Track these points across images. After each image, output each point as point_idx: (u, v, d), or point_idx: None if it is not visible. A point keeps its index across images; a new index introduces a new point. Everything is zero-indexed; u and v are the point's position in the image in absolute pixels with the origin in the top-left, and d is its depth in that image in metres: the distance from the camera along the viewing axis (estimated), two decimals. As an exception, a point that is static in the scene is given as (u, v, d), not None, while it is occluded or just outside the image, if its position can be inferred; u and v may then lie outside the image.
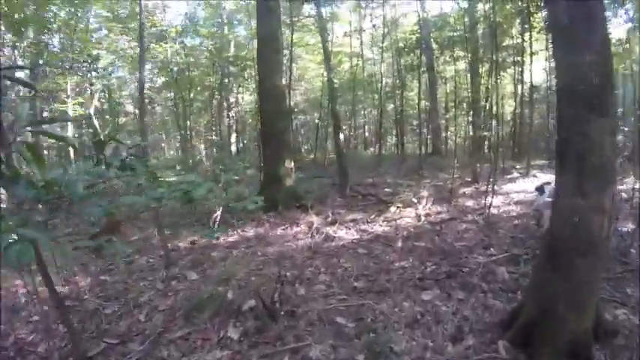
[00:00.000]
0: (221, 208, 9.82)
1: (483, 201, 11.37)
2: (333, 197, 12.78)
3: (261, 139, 12.88)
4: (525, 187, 13.87)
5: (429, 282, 6.47)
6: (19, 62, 18.24)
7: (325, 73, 19.79)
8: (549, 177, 15.81)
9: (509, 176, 15.90)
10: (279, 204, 11.20)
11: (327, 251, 8.29)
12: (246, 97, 29.93)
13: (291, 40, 19.11)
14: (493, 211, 10.31)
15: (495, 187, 11.26)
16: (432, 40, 22.74)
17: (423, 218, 10.06)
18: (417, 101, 24.40)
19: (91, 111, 17.50)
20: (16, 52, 18.09)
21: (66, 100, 20.36)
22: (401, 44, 22.90)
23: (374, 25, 23.37)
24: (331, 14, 22.85)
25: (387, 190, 13.68)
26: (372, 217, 10.55)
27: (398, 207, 11.16)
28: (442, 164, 19.23)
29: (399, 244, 8.44)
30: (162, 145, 39.64)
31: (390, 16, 24.45)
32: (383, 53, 24.36)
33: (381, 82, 24.01)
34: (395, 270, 7.08)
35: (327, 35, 17.03)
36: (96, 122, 17.69)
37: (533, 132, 21.43)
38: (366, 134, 34.70)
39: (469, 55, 21.17)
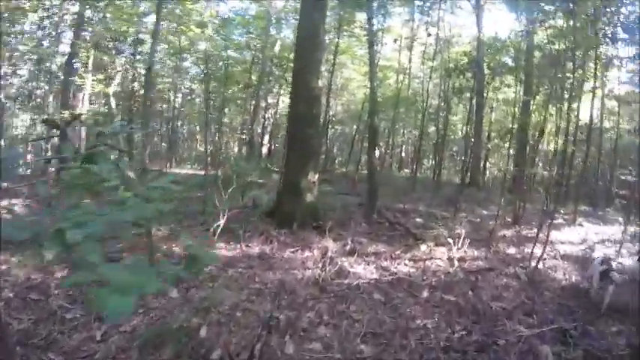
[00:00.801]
0: (225, 216, 8.48)
1: (527, 250, 9.74)
2: (357, 221, 11.20)
3: (287, 144, 11.46)
4: (571, 238, 12.13)
5: (456, 355, 5.01)
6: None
7: (369, 85, 18.42)
8: (597, 228, 14.10)
9: (554, 221, 14.11)
10: (294, 220, 9.69)
11: (337, 290, 6.82)
12: (286, 100, 28.68)
13: (336, 46, 17.72)
14: (539, 265, 8.60)
15: (541, 235, 9.53)
16: (484, 63, 20.97)
17: (456, 263, 8.40)
18: (460, 126, 22.93)
19: (110, 90, 16.44)
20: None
21: (84, 75, 19.38)
22: (451, 65, 21.26)
23: (429, 34, 21.52)
24: (381, 26, 21.27)
25: (418, 220, 12.07)
26: (398, 252, 8.96)
27: (429, 245, 9.50)
28: (480, 198, 17.50)
29: (425, 294, 6.92)
30: (197, 137, 38.68)
31: (443, 34, 22.69)
32: (432, 72, 22.76)
33: (426, 101, 22.32)
34: (415, 330, 5.61)
35: (375, 47, 15.70)
36: (113, 103, 16.65)
37: (578, 175, 19.72)
38: (403, 154, 33.09)
39: (522, 84, 19.46)
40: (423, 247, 9.35)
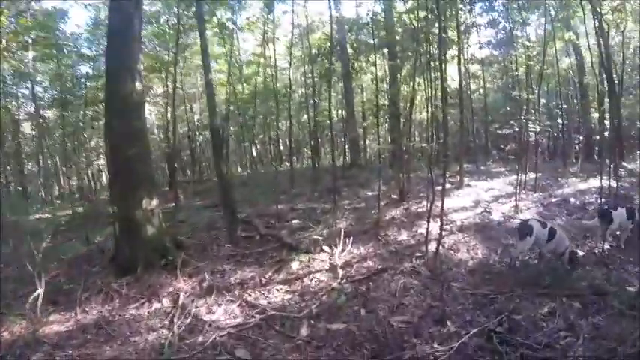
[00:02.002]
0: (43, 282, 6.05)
1: (420, 230, 8.23)
2: (220, 242, 8.98)
3: (109, 169, 8.97)
4: (463, 202, 10.91)
5: None
6: None
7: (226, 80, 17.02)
8: (484, 184, 13.15)
9: (440, 188, 13.01)
10: (137, 263, 7.30)
11: (187, 357, 4.74)
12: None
13: (177, 42, 15.26)
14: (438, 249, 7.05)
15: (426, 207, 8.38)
16: (347, 44, 19.67)
17: (341, 272, 6.64)
18: (333, 110, 21.56)
19: None
20: None
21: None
22: (314, 51, 19.79)
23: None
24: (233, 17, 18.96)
25: (295, 222, 10.14)
26: (269, 273, 6.99)
27: (307, 254, 7.63)
28: (363, 177, 15.95)
29: (304, 330, 5.10)
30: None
31: (303, 21, 20.99)
32: (292, 59, 21.05)
33: (289, 90, 20.56)
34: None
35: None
36: None
37: (451, 136, 19.24)
38: (281, 148, 31.19)
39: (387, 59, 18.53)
40: (299, 260, 7.43)
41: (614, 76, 16.67)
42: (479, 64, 21.01)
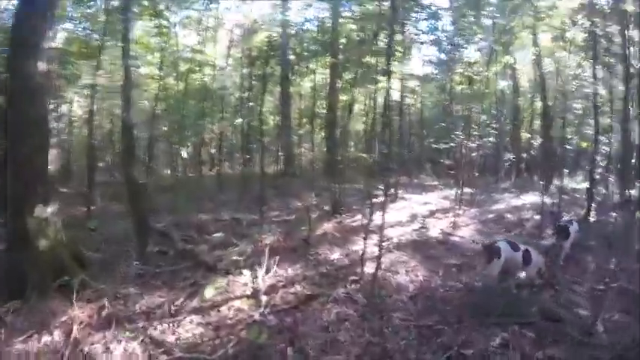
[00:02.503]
0: None
1: (354, 248, 7.43)
2: (130, 258, 7.60)
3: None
4: (399, 216, 10.30)
5: None
6: None
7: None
8: (420, 198, 12.67)
9: (374, 200, 12.38)
10: (27, 285, 5.91)
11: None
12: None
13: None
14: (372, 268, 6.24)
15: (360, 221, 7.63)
16: (289, 49, 18.85)
17: (264, 300, 5.62)
18: (269, 116, 20.74)
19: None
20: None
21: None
22: (254, 53, 18.81)
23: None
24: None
25: (217, 236, 8.94)
26: (181, 301, 5.82)
27: (227, 276, 6.58)
28: (295, 187, 15.05)
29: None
30: None
31: (248, 21, 19.88)
32: (231, 59, 20.12)
33: (225, 91, 19.49)
34: None
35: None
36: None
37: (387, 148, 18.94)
38: (213, 151, 29.57)
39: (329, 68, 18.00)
40: (217, 284, 6.31)
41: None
42: (418, 80, 21.10)
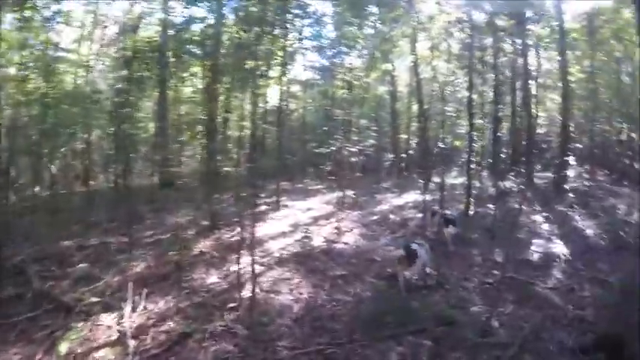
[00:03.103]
0: None
1: (233, 267, 6.70)
2: None
3: None
4: (281, 228, 9.69)
5: None
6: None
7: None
8: (303, 204, 12.22)
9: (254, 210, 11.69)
10: None
11: None
12: None
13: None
14: (252, 291, 5.57)
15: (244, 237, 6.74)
16: (168, 51, 17.40)
17: (132, 345, 4.69)
18: (146, 122, 19.17)
19: None
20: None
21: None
22: (129, 53, 17.12)
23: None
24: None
25: (81, 267, 7.53)
26: (39, 356, 4.67)
27: (89, 319, 5.46)
28: (173, 200, 13.82)
29: None
30: None
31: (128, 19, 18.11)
32: (106, 60, 18.32)
33: (97, 95, 17.58)
34: None
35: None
36: None
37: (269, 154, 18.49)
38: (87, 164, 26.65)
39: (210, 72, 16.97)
40: (78, 331, 5.20)
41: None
42: (301, 85, 20.90)
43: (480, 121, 16.17)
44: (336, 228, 9.12)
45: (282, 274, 6.74)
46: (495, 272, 6.87)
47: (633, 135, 15.77)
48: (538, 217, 10.34)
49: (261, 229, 9.57)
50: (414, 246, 6.30)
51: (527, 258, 7.61)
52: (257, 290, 5.80)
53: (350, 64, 17.60)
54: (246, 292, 5.68)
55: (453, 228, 8.20)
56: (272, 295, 5.96)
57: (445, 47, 17.26)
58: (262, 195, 13.10)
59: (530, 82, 16.42)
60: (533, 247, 8.19)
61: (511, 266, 6.85)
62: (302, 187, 15.88)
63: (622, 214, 11.04)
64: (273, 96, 19.83)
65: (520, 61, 16.74)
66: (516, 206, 11.38)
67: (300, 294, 6.04)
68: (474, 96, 13.35)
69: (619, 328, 4.36)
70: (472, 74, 11.44)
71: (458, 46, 16.05)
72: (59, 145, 16.99)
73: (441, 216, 8.72)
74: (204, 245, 8.62)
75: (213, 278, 6.77)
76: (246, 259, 6.03)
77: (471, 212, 10.51)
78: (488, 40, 14.74)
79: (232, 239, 8.73)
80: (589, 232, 9.55)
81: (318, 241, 8.43)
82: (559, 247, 8.25)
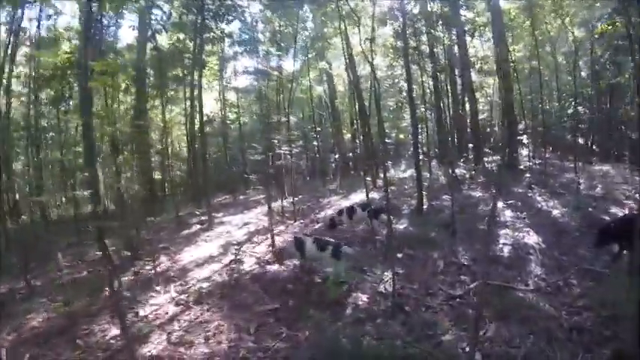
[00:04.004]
0: None
1: (145, 309, 5.12)
2: None
3: None
4: (210, 250, 8.01)
5: None
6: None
7: None
8: (240, 218, 10.56)
9: (187, 231, 9.87)
10: None
11: None
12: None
13: None
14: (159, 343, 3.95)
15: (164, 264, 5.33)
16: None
17: None
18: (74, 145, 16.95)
19: None
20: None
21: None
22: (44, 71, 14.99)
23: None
24: None
25: None
26: None
27: None
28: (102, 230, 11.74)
29: None
30: None
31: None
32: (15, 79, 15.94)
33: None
34: None
35: None
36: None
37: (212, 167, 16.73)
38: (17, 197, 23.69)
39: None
40: None
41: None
42: (236, 92, 19.35)
43: (422, 111, 15.01)
44: (271, 245, 7.41)
45: (200, 316, 5.01)
46: (463, 278, 5.41)
47: (579, 109, 14.84)
48: (499, 204, 8.98)
49: (188, 255, 7.89)
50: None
51: (496, 254, 6.15)
52: (164, 344, 4.17)
53: (283, 67, 16.74)
54: (151, 348, 4.00)
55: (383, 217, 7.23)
56: (181, 350, 4.25)
57: (380, 41, 16.35)
58: (198, 212, 11.33)
59: (469, 68, 15.28)
60: (501, 241, 6.73)
61: (480, 268, 5.42)
62: (243, 199, 14.10)
63: (584, 189, 9.94)
64: (209, 106, 18.51)
65: (456, 49, 15.75)
66: (472, 194, 10.15)
67: (219, 343, 4.34)
68: (414, 87, 12.31)
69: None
70: (409, 64, 9.92)
71: (392, 39, 15.04)
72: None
73: (363, 208, 7.72)
74: (118, 282, 6.83)
75: (115, 330, 4.94)
76: (161, 298, 4.59)
77: (425, 206, 9.03)
78: (423, 30, 13.73)
79: (153, 271, 6.98)
80: (556, 212, 8.32)
81: (249, 264, 6.69)
82: (529, 236, 6.88)
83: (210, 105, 19.06)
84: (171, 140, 20.28)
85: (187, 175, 17.53)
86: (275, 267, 6.40)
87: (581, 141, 15.57)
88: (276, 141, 12.39)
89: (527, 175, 11.10)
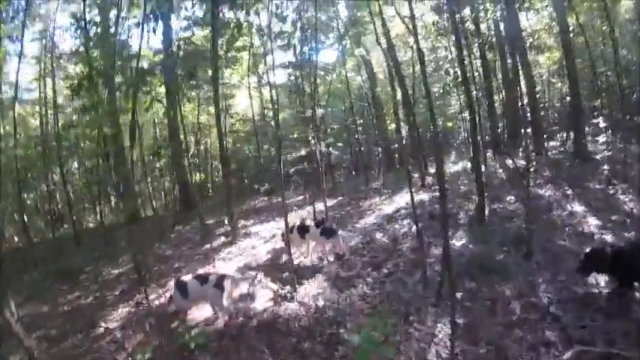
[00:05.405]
0: None
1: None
2: None
3: None
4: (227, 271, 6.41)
5: None
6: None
7: None
8: (270, 227, 8.96)
9: (208, 245, 8.39)
10: None
11: None
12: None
13: None
14: None
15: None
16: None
17: None
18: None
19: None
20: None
21: None
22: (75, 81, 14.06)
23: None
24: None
25: None
26: None
27: None
28: (129, 241, 10.48)
29: None
30: None
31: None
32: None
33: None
34: None
35: None
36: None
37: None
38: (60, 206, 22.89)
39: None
40: None
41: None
42: (270, 87, 17.91)
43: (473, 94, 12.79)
44: (294, 273, 5.60)
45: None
46: (551, 336, 3.57)
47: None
48: (577, 207, 6.84)
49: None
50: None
51: (590, 291, 4.24)
52: None
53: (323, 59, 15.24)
54: None
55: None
56: None
57: (419, 23, 14.25)
58: (226, 221, 9.74)
59: (522, 42, 12.83)
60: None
61: (572, 317, 3.63)
62: (278, 203, 12.43)
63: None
64: (243, 104, 17.73)
65: (502, 26, 13.50)
66: (539, 192, 7.95)
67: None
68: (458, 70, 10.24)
69: None
70: (458, 31, 7.71)
71: (433, 17, 12.92)
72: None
73: (317, 226, 6.42)
74: (117, 316, 5.48)
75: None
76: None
77: (486, 211, 6.83)
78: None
79: (157, 302, 5.55)
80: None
81: (262, 300, 5.03)
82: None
83: (245, 103, 17.57)
84: (211, 141, 19.10)
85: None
86: (293, 305, 4.73)
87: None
88: (312, 136, 10.71)
89: (605, 167, 8.72)
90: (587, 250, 4.37)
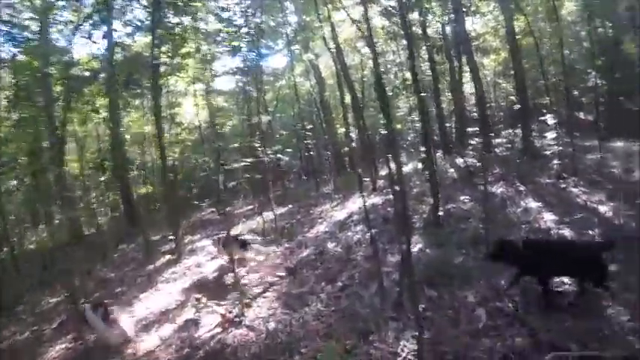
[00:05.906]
0: None
1: None
2: None
3: None
4: (167, 299, 5.93)
5: None
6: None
7: None
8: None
9: (152, 265, 7.74)
10: None
11: None
12: None
13: None
14: None
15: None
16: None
17: None
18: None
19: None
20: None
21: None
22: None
23: None
24: None
25: None
26: None
27: None
28: (71, 262, 9.53)
29: None
30: None
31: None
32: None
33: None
34: None
35: None
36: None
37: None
38: None
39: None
40: None
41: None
42: (221, 95, 17.41)
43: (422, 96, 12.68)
44: (241, 294, 5.12)
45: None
46: (521, 342, 3.27)
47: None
48: (531, 203, 6.67)
49: (141, 307, 5.76)
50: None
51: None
52: None
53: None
54: None
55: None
56: None
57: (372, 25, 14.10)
58: (171, 237, 9.01)
59: (469, 44, 12.95)
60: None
61: (542, 319, 3.36)
62: (229, 212, 11.75)
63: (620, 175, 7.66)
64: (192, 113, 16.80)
65: (448, 29, 13.66)
66: (492, 190, 7.72)
67: None
68: (407, 73, 10.17)
69: None
70: (409, 31, 7.40)
71: (382, 21, 12.80)
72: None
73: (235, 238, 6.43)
74: (55, 353, 4.93)
75: None
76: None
77: (441, 212, 6.54)
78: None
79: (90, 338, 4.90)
80: (604, 210, 6.03)
81: (208, 326, 4.52)
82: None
83: (191, 111, 16.82)
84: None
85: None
86: (242, 331, 4.22)
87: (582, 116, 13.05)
88: (259, 144, 10.22)
89: (555, 161, 8.66)
90: (497, 238, 4.34)
